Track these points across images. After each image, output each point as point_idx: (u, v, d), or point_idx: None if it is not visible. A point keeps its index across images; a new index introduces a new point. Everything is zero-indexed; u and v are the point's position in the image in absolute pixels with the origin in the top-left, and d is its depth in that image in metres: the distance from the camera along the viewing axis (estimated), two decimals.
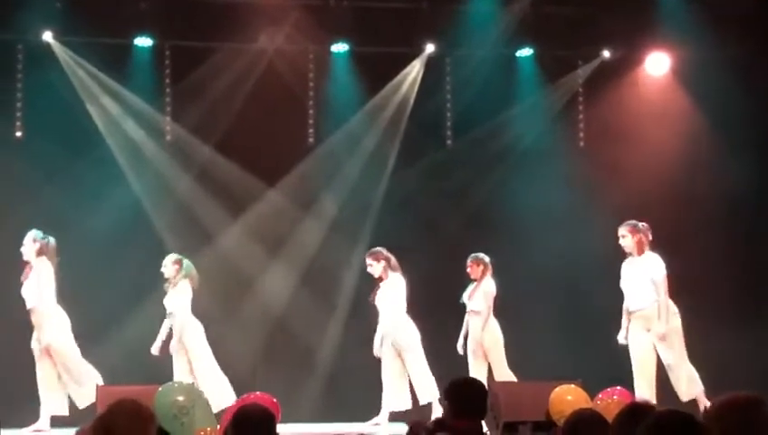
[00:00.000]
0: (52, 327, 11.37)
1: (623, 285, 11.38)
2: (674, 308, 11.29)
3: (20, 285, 11.45)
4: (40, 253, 11.41)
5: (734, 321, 13.20)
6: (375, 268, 12.31)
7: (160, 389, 6.97)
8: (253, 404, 5.28)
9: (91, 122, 13.32)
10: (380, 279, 12.31)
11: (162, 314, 11.95)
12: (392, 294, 12.24)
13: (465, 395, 5.59)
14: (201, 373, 11.74)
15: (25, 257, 11.50)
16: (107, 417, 4.32)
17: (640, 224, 11.38)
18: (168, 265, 11.89)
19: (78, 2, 13.18)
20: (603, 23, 13.95)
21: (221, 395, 11.23)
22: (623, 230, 11.36)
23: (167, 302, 11.90)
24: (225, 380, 11.77)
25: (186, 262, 11.91)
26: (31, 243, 11.47)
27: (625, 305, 11.38)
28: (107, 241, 13.05)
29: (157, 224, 13.44)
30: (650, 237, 11.33)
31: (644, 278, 11.23)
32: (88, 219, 13.02)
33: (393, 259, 12.30)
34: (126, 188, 13.37)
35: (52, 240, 11.48)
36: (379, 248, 12.39)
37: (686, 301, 11.59)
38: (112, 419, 4.30)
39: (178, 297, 11.82)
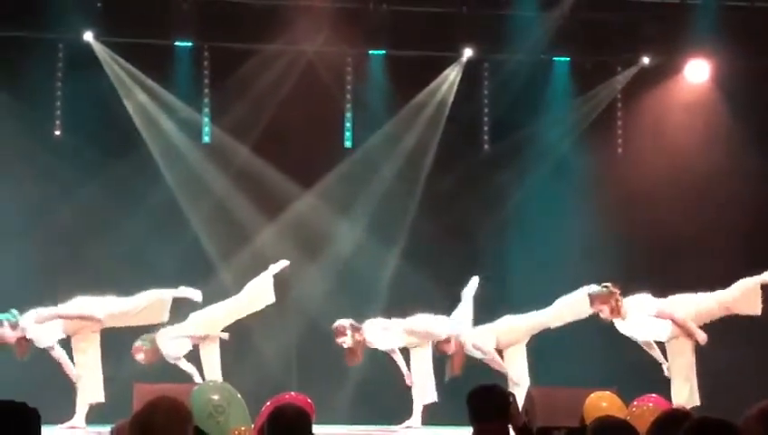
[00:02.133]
0: (94, 306, 11.45)
1: (633, 337, 11.17)
2: (691, 307, 11.06)
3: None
4: (14, 327, 11.27)
5: None
6: (347, 340, 12.06)
7: (196, 387, 6.99)
8: (288, 404, 5.27)
9: (129, 122, 13.40)
10: (358, 344, 12.08)
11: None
12: (381, 337, 12.13)
13: (483, 398, 5.62)
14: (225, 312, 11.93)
15: (12, 341, 11.30)
16: (144, 414, 4.23)
17: (602, 287, 11.02)
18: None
19: (119, 3, 13.27)
20: (643, 29, 13.90)
21: (265, 295, 11.89)
22: (596, 307, 10.98)
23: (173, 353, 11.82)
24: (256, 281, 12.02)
25: (144, 342, 11.71)
26: (2, 331, 11.26)
27: (646, 344, 11.19)
28: (144, 240, 13.14)
29: (193, 223, 13.51)
30: (619, 291, 10.97)
31: (647, 321, 10.98)
32: (125, 218, 13.15)
33: (353, 323, 12.09)
34: (164, 187, 13.43)
35: (14, 311, 11.32)
36: (336, 325, 12.12)
37: None
38: (150, 416, 4.20)
39: (174, 345, 11.76)
